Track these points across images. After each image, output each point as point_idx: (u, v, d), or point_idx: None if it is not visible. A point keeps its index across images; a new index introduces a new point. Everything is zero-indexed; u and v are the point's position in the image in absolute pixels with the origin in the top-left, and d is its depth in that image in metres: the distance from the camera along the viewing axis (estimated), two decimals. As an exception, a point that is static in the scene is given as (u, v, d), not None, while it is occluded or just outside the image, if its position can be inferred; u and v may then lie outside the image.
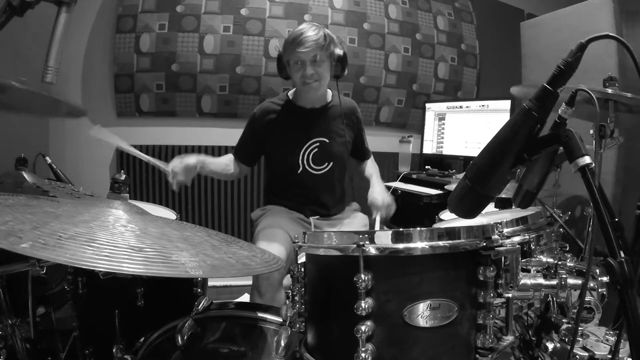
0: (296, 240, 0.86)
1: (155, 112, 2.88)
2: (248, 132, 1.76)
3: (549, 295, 1.07)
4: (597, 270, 1.01)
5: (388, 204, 1.61)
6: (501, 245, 0.77)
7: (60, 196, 1.15)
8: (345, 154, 1.76)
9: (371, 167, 1.88)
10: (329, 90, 1.76)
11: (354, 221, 1.80)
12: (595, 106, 0.79)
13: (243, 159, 1.78)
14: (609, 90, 1.28)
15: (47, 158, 1.82)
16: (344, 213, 1.83)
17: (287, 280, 0.92)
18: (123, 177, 0.87)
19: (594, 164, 0.65)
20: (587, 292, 0.98)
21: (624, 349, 1.06)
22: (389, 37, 3.19)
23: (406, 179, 2.90)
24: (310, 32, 1.52)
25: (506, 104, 2.67)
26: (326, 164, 1.71)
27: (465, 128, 2.89)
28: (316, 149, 1.69)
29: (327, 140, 1.70)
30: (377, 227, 1.56)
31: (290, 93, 1.75)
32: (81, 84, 2.78)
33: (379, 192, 1.65)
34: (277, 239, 1.50)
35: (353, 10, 3.11)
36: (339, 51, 1.60)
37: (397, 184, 2.78)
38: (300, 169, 1.69)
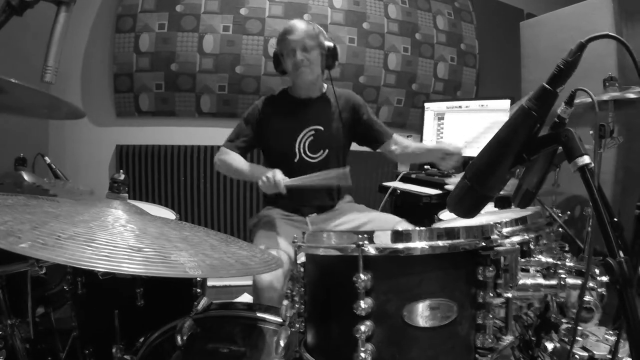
0: (296, 240, 0.86)
1: (154, 112, 2.88)
2: (248, 120, 1.78)
3: (549, 295, 1.07)
4: (597, 270, 1.01)
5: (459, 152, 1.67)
6: (500, 245, 0.77)
7: (61, 194, 1.16)
8: (341, 142, 1.79)
9: (407, 141, 1.84)
10: (324, 84, 1.82)
11: (352, 215, 1.79)
12: (594, 106, 0.79)
13: (238, 146, 1.75)
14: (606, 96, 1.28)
15: (47, 158, 1.82)
16: (339, 206, 1.83)
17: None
18: (122, 177, 0.87)
19: (593, 164, 0.65)
20: (587, 292, 0.98)
21: (624, 349, 1.06)
22: (389, 37, 3.19)
23: (405, 179, 2.89)
24: (300, 24, 1.65)
25: (506, 103, 2.66)
26: (321, 151, 1.74)
27: (465, 128, 2.89)
28: (311, 137, 1.73)
29: (322, 128, 1.74)
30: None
31: (288, 87, 1.82)
32: (81, 83, 2.78)
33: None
34: (275, 252, 1.48)
35: (352, 10, 3.11)
36: (328, 43, 1.70)
37: (397, 184, 2.77)
38: (297, 157, 1.72)
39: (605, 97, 1.40)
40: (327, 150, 1.74)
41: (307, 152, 1.73)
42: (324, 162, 1.74)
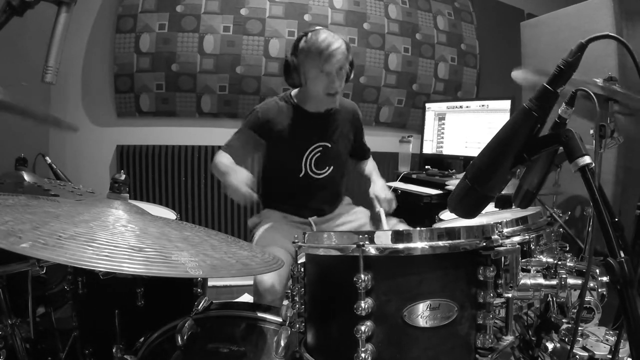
0: (296, 241, 0.86)
1: (155, 112, 2.88)
2: (249, 125, 1.67)
3: (549, 295, 1.07)
4: (597, 270, 1.01)
5: (389, 199, 1.65)
6: (501, 245, 0.77)
7: (62, 195, 1.16)
8: (345, 157, 1.79)
9: (371, 165, 1.91)
10: None
11: (354, 215, 1.80)
12: (595, 105, 0.79)
13: (235, 148, 1.64)
14: (613, 87, 1.28)
15: (47, 158, 1.82)
16: (340, 209, 1.83)
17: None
18: (123, 177, 0.87)
19: (594, 164, 0.65)
20: (587, 292, 0.98)
21: (624, 349, 1.06)
22: (389, 37, 3.19)
23: (406, 179, 2.89)
24: (336, 43, 1.50)
25: (506, 104, 2.66)
26: (327, 168, 1.72)
27: (465, 128, 2.89)
28: (319, 154, 1.69)
29: (330, 145, 1.70)
30: (383, 220, 1.59)
31: (294, 94, 1.71)
32: (81, 84, 2.78)
33: (380, 187, 1.71)
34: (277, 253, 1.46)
35: (353, 10, 3.10)
36: (351, 58, 1.61)
37: (397, 184, 2.77)
38: (302, 172, 1.68)
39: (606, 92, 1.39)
40: (332, 167, 1.72)
41: (313, 168, 1.69)
42: (329, 178, 1.73)
